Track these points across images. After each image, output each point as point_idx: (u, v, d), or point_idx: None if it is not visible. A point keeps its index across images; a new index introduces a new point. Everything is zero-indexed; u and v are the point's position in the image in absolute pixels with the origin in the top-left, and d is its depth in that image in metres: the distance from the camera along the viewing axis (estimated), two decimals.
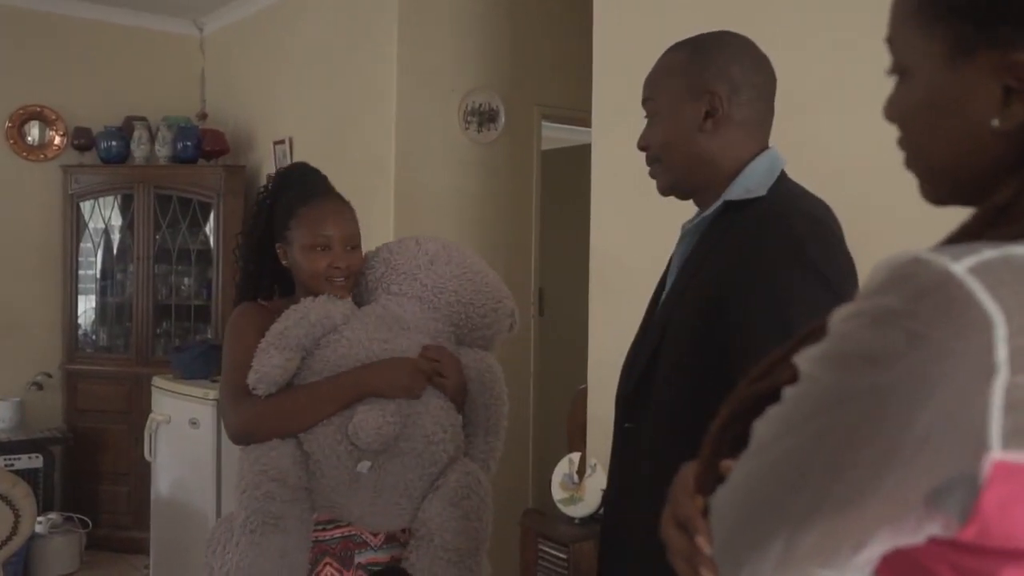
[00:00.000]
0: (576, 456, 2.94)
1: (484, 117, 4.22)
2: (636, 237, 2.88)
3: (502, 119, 4.26)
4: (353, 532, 1.87)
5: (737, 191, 1.39)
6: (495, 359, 2.02)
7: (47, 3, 5.04)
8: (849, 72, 2.24)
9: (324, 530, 1.85)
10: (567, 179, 4.47)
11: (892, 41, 0.80)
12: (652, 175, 1.50)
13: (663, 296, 1.47)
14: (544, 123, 4.46)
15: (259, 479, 1.77)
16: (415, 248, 1.99)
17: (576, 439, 3.12)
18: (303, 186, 1.99)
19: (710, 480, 0.79)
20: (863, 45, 2.14)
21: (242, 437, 1.85)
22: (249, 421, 1.82)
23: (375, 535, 1.88)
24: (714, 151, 1.42)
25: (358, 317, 1.90)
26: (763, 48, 1.47)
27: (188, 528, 3.91)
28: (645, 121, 1.51)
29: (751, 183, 1.39)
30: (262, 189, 2.07)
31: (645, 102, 1.48)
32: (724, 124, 1.42)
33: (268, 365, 1.79)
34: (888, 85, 0.82)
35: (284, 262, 1.96)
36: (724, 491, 0.74)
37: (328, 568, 1.84)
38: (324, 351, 1.84)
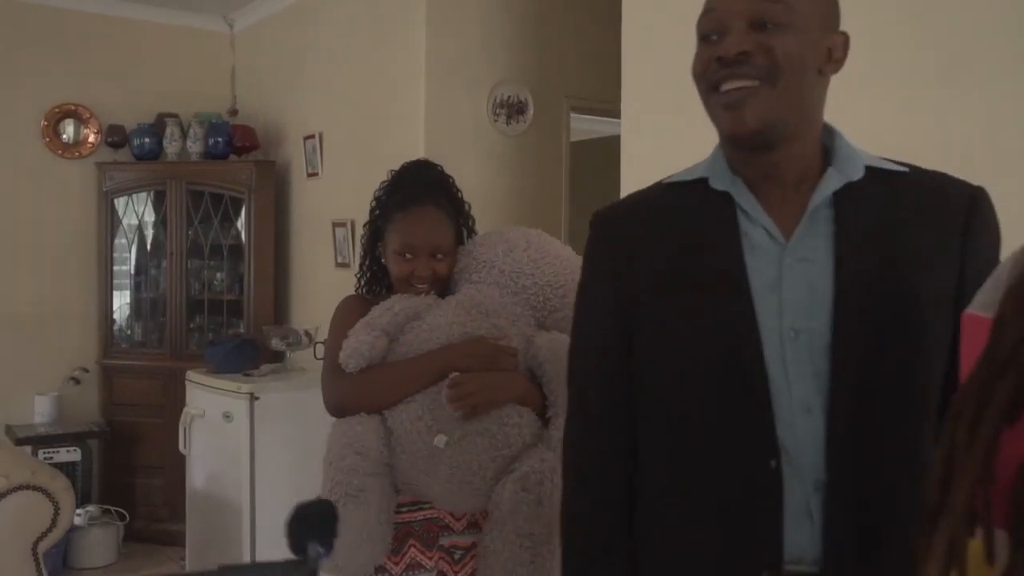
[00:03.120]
0: None
1: (513, 109, 4.21)
2: None
3: (531, 111, 4.26)
4: (436, 515, 1.93)
5: (871, 157, 1.21)
6: None
7: (79, 2, 5.10)
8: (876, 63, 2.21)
9: (408, 511, 1.93)
10: (596, 170, 4.45)
11: None
12: (739, 98, 1.15)
13: (836, 285, 1.16)
14: (573, 115, 4.45)
15: (344, 451, 1.85)
16: (496, 239, 2.06)
17: None
18: (408, 189, 2.08)
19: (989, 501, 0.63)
20: (889, 36, 2.11)
21: (335, 410, 1.95)
22: (341, 395, 1.94)
23: (458, 519, 1.94)
24: (816, 102, 1.20)
25: (439, 305, 1.98)
26: None
27: (223, 520, 3.95)
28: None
29: (864, 153, 1.21)
30: (381, 184, 2.16)
31: (767, 2, 1.15)
32: (828, 77, 1.20)
33: (356, 342, 1.90)
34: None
35: (383, 261, 2.08)
36: None
37: (412, 549, 1.92)
38: (407, 336, 1.93)
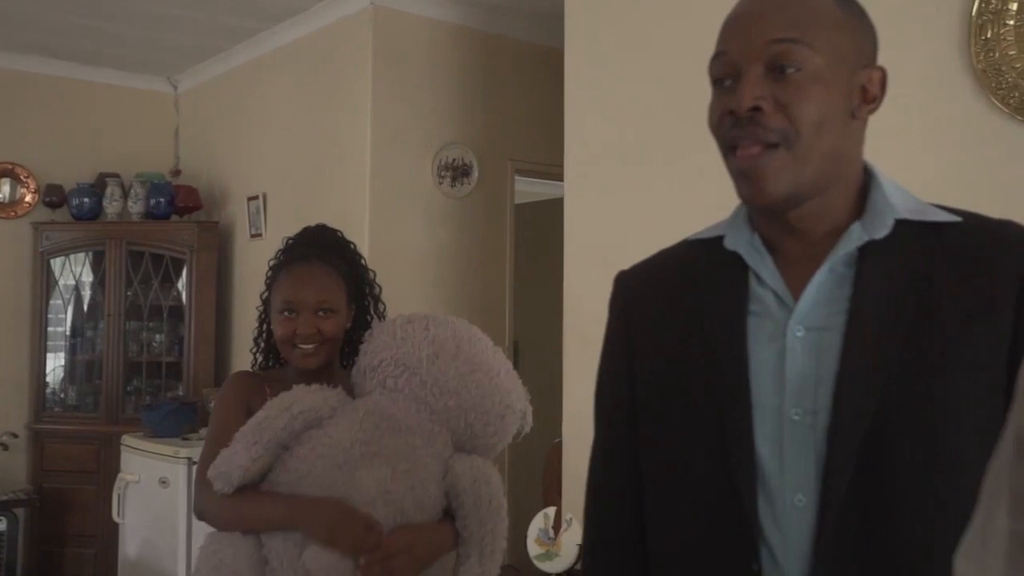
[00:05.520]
0: (551, 511, 2.91)
1: (458, 172, 4.25)
2: (610, 289, 2.89)
3: (475, 174, 4.30)
4: None
5: (905, 208, 1.04)
6: (494, 468, 1.85)
7: (20, 61, 5.05)
8: None
9: None
10: (541, 232, 4.50)
11: None
12: (755, 166, 1.01)
13: (841, 358, 1.00)
14: (517, 177, 4.50)
15: None
16: (422, 336, 1.80)
17: (551, 493, 3.10)
18: (295, 251, 1.94)
19: None
20: None
21: (199, 517, 1.80)
22: (206, 511, 1.77)
23: None
24: (849, 149, 1.05)
25: (345, 413, 1.74)
26: None
27: None
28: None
29: (909, 201, 1.05)
30: (276, 252, 2.02)
31: (784, 43, 1.00)
32: (864, 118, 1.06)
33: (231, 464, 1.66)
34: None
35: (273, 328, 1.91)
36: None
37: None
38: (303, 448, 1.70)
